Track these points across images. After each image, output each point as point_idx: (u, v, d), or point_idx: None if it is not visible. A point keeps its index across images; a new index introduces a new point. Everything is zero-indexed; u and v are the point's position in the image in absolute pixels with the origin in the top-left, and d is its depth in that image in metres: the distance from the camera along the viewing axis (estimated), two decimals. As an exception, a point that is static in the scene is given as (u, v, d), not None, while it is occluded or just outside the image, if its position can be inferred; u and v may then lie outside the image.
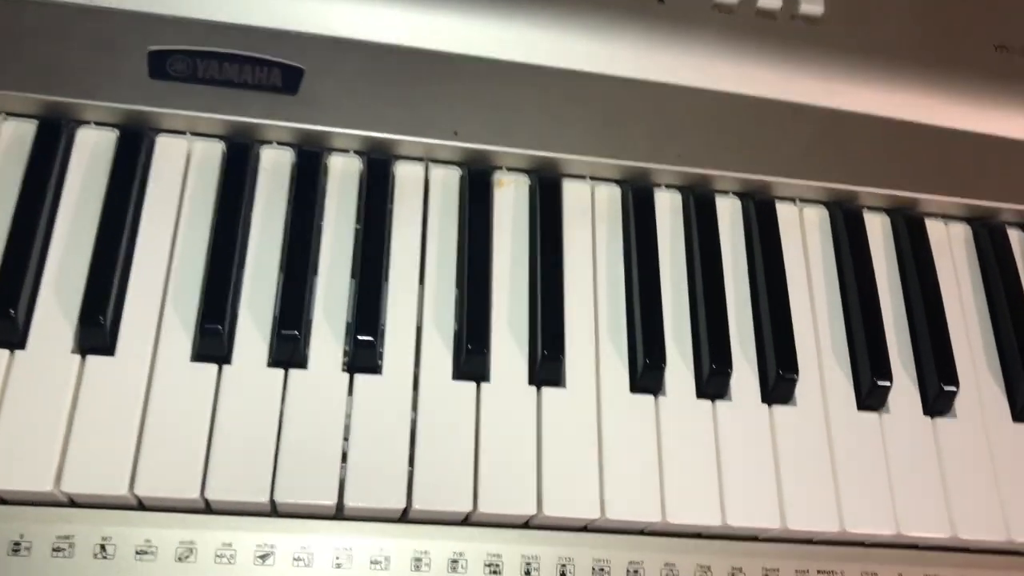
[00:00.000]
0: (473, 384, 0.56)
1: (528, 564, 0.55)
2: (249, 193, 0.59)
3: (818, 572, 0.58)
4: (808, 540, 0.58)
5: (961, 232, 0.69)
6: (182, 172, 0.59)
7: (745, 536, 0.58)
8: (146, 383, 0.53)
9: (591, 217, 0.63)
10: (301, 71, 0.60)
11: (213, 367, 0.54)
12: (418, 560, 0.54)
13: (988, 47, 0.69)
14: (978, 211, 0.68)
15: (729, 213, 0.65)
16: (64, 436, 0.51)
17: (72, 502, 0.52)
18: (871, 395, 0.60)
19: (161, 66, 0.58)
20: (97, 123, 0.59)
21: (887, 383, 0.60)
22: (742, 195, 0.66)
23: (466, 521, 0.55)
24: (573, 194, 0.63)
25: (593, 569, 0.56)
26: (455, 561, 0.54)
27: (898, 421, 0.61)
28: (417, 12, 0.62)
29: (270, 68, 0.59)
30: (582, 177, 0.64)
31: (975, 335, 0.65)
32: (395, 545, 0.54)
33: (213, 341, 0.54)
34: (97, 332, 0.53)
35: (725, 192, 0.66)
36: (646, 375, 0.58)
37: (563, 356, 0.57)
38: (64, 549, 0.51)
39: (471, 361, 0.56)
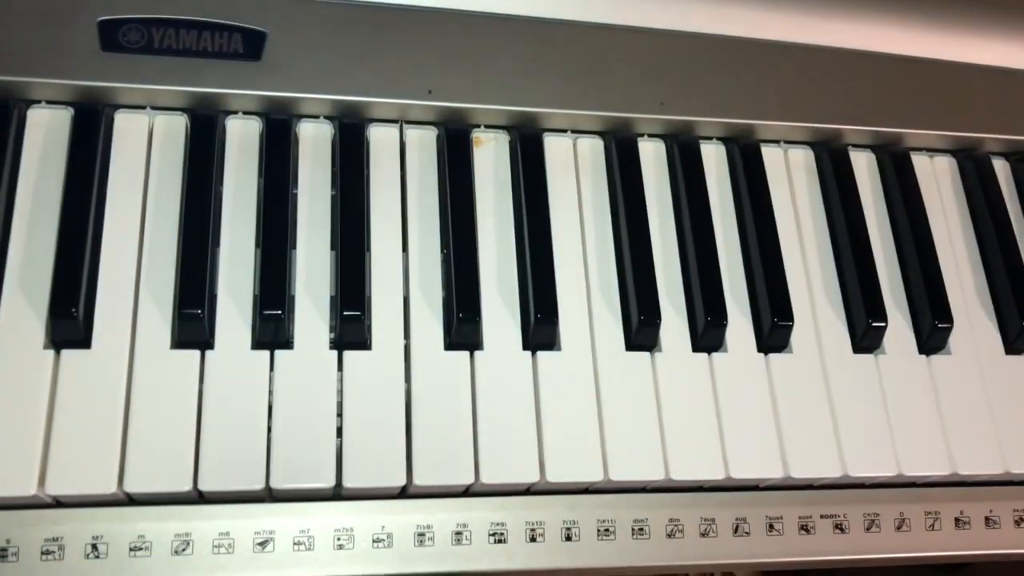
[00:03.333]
0: (466, 353, 0.55)
1: (533, 530, 0.54)
2: (218, 167, 0.56)
3: (821, 517, 0.58)
4: (809, 486, 0.58)
5: (946, 165, 0.68)
6: (145, 149, 0.56)
7: (747, 486, 0.58)
8: (126, 374, 0.51)
9: (575, 171, 0.61)
10: (264, 35, 0.57)
11: (195, 353, 0.52)
12: (421, 535, 0.53)
13: (967, -26, 0.68)
14: (962, 143, 0.67)
15: (714, 159, 0.64)
16: (44, 436, 0.49)
17: (59, 503, 0.50)
18: (866, 337, 0.60)
19: (113, 37, 0.55)
20: (49, 102, 0.56)
21: (882, 324, 0.59)
22: (726, 140, 0.64)
23: (468, 492, 0.54)
24: (555, 149, 0.61)
25: (598, 530, 0.55)
26: (459, 533, 0.53)
27: (894, 361, 0.60)
28: (381, -35, 0.59)
29: (230, 33, 0.56)
30: (563, 131, 0.62)
31: (965, 269, 0.65)
32: (397, 521, 0.53)
33: (193, 326, 0.52)
34: (70, 325, 0.50)
35: (709, 138, 0.64)
36: (641, 332, 0.57)
37: (556, 319, 0.56)
38: (54, 552, 0.49)
39: (463, 330, 0.54)
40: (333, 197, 0.58)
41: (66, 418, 0.49)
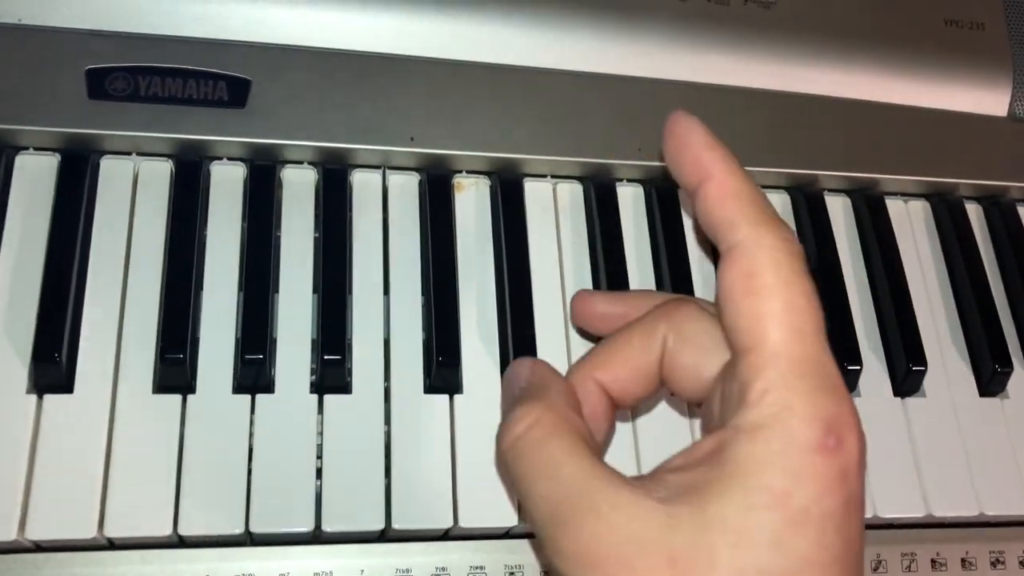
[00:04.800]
0: (446, 397, 0.55)
1: (512, 573, 0.55)
2: (202, 213, 0.57)
3: (798, 559, 0.58)
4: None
5: (920, 209, 0.69)
6: (130, 195, 0.57)
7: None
8: (108, 419, 0.51)
9: (554, 216, 0.62)
10: (248, 83, 0.58)
11: (177, 398, 0.52)
12: (400, 579, 0.53)
13: (939, 22, 0.69)
14: (936, 187, 0.68)
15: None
16: (26, 481, 0.49)
17: (39, 547, 0.50)
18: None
19: (100, 85, 0.56)
20: (36, 148, 0.56)
21: (857, 367, 0.60)
22: (703, 185, 0.65)
23: (447, 535, 0.54)
24: (535, 194, 0.62)
25: None
26: (438, 576, 0.54)
27: (869, 404, 0.61)
28: (364, 15, 0.60)
29: (215, 81, 0.57)
30: (543, 176, 0.63)
31: (939, 312, 0.65)
32: (376, 564, 0.53)
33: (175, 371, 0.52)
34: (53, 370, 0.51)
35: (687, 183, 0.65)
36: (619, 375, 0.57)
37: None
38: (33, 596, 0.50)
39: (442, 374, 0.55)
40: (316, 241, 0.58)
41: (48, 462, 0.50)
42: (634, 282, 0.61)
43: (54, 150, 0.57)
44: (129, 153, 0.58)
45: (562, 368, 0.57)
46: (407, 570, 0.53)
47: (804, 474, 0.35)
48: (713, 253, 0.64)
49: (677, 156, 0.43)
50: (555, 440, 0.40)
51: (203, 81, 0.57)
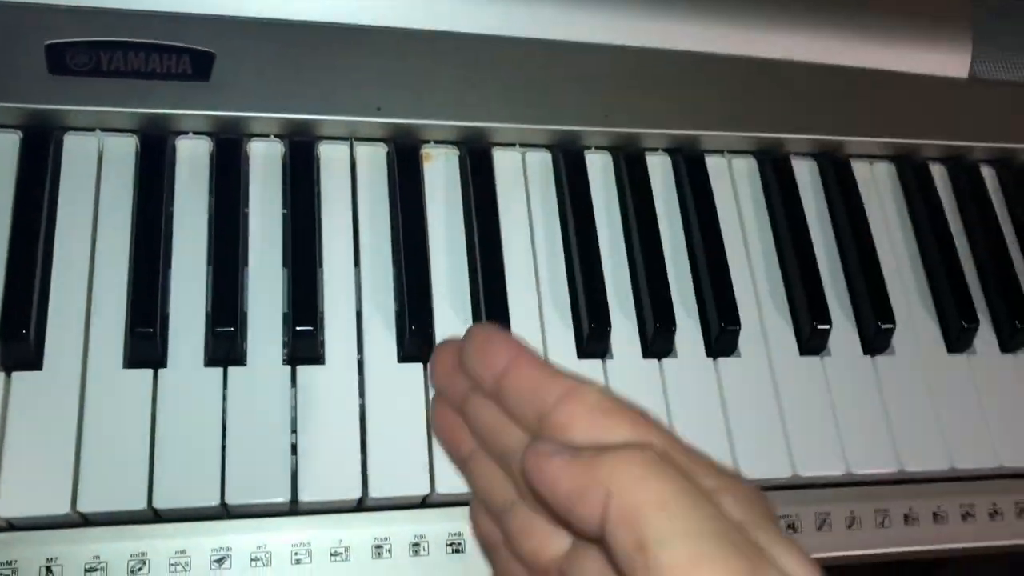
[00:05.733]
0: (420, 365, 0.55)
1: (490, 539, 0.55)
2: (168, 187, 0.57)
3: (774, 517, 0.59)
4: (761, 487, 0.59)
5: (886, 171, 0.70)
6: (95, 171, 0.56)
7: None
8: (79, 395, 0.51)
9: (524, 185, 0.63)
10: (212, 56, 0.57)
11: (148, 372, 0.52)
12: (379, 547, 0.53)
13: (899, -15, 0.70)
14: (900, 149, 0.69)
15: (660, 170, 0.65)
16: (-4, 458, 0.49)
17: (11, 526, 0.49)
18: (812, 339, 0.61)
19: (61, 60, 0.55)
20: (-2, 126, 0.56)
21: (827, 327, 0.61)
22: (671, 151, 0.66)
23: (424, 503, 0.54)
24: (504, 163, 0.63)
25: (555, 538, 0.56)
26: (416, 544, 0.54)
27: (840, 362, 0.62)
28: (327, -14, 0.60)
29: (179, 55, 0.57)
30: (511, 145, 0.63)
31: (906, 271, 0.66)
32: (354, 535, 0.53)
33: (145, 345, 0.52)
34: (21, 347, 0.50)
35: (655, 149, 0.66)
36: (592, 340, 0.58)
37: (508, 328, 0.56)
38: (7, 575, 0.49)
39: (415, 342, 0.55)
40: (284, 215, 0.58)
41: (18, 440, 0.49)
42: (605, 251, 0.61)
43: (15, 127, 0.56)
44: (93, 129, 0.57)
45: (534, 334, 0.57)
46: (385, 538, 0.53)
47: None
48: (684, 219, 0.64)
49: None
50: None
51: (166, 55, 0.57)
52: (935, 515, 0.62)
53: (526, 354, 0.32)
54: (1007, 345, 0.65)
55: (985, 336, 0.65)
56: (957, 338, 0.64)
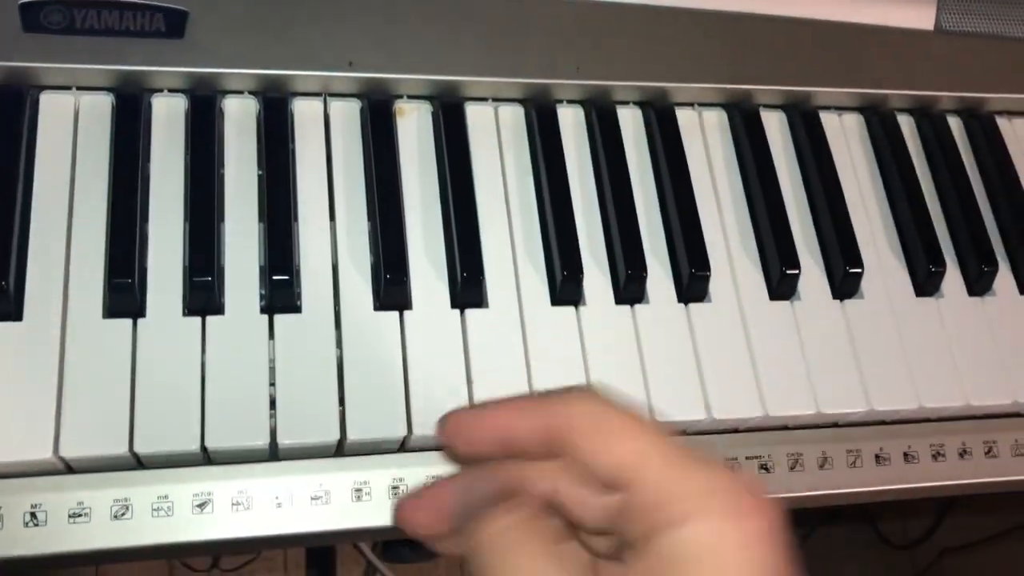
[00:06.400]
0: (396, 313, 0.56)
1: (468, 482, 0.56)
2: (144, 144, 0.58)
3: (746, 458, 0.60)
4: (735, 429, 0.61)
5: (854, 122, 0.71)
6: (71, 129, 0.57)
7: (672, 432, 0.59)
8: (59, 345, 0.52)
9: (497, 138, 0.63)
10: (185, 13, 0.58)
11: (127, 322, 0.53)
12: (358, 491, 0.54)
13: (864, -62, 0.71)
14: (868, 99, 0.70)
15: (631, 122, 0.66)
16: (-22, 407, 0.50)
17: (-5, 473, 0.50)
18: (781, 284, 0.62)
19: (35, 18, 0.56)
20: (-28, 85, 0.57)
21: (796, 271, 0.62)
22: (642, 104, 0.67)
23: (403, 447, 0.55)
24: (476, 117, 0.63)
25: (532, 480, 0.57)
26: (395, 487, 0.55)
27: (809, 306, 0.63)
28: (298, -56, 0.61)
29: (152, 12, 0.57)
30: (484, 99, 0.64)
31: (875, 219, 0.67)
32: (334, 479, 0.54)
33: (124, 296, 0.53)
34: (1, 298, 0.51)
35: (626, 103, 0.66)
36: (565, 288, 0.59)
37: (483, 277, 0.58)
38: (-8, 521, 0.50)
39: (391, 290, 0.56)
40: (260, 173, 0.59)
41: (1, 389, 0.50)
42: (577, 203, 0.62)
43: (-9, 85, 0.57)
44: (68, 87, 0.58)
45: (508, 283, 0.58)
46: (365, 482, 0.54)
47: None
48: (655, 170, 0.65)
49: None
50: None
51: (140, 12, 0.57)
52: (906, 455, 0.63)
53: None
54: (974, 288, 0.66)
55: (953, 280, 0.66)
56: (925, 282, 0.65)
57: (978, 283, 0.66)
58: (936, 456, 0.63)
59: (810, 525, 1.36)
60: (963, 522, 1.34)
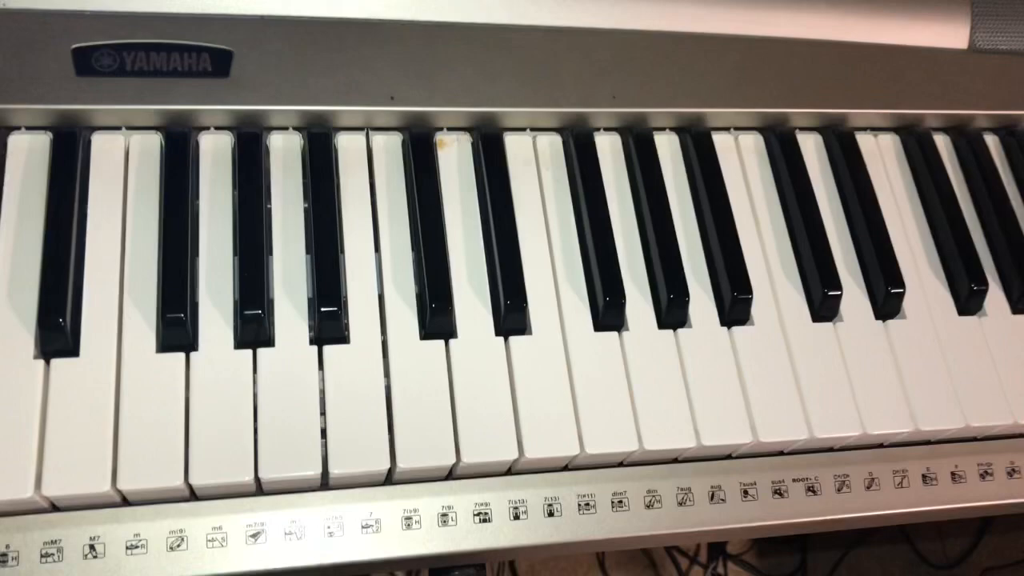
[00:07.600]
0: (441, 342, 0.57)
1: (516, 508, 0.56)
2: (193, 181, 0.59)
3: (793, 480, 0.60)
4: (779, 452, 0.61)
5: (890, 142, 0.71)
6: (122, 168, 0.59)
7: (719, 456, 0.60)
8: (115, 379, 0.53)
9: (536, 167, 0.64)
10: (230, 53, 0.60)
11: (180, 356, 0.54)
12: (408, 519, 0.55)
13: (896, -39, 0.71)
14: (904, 120, 0.70)
15: (668, 148, 0.67)
16: (39, 442, 0.51)
17: (54, 507, 0.51)
18: (823, 306, 0.62)
19: (87, 63, 0.57)
20: (28, 127, 0.58)
21: (837, 292, 0.62)
22: (679, 130, 0.67)
23: (451, 475, 0.56)
24: (515, 147, 0.64)
25: (579, 504, 0.57)
26: (444, 515, 0.55)
27: (852, 328, 0.63)
28: (339, -18, 0.62)
29: (199, 53, 0.59)
30: (522, 129, 0.65)
31: (914, 238, 0.67)
32: (384, 508, 0.55)
33: (177, 330, 0.54)
34: (58, 335, 0.52)
35: (662, 129, 0.67)
36: (608, 313, 0.59)
37: (525, 304, 0.58)
38: (53, 554, 0.51)
39: (436, 319, 0.57)
40: (305, 205, 0.60)
41: (59, 423, 0.51)
42: (617, 229, 0.63)
43: (45, 128, 0.58)
44: (119, 127, 0.59)
45: (551, 310, 0.59)
46: (415, 510, 0.55)
47: None
48: (694, 195, 0.66)
49: None
50: None
51: (187, 54, 0.59)
52: (953, 475, 0.63)
53: None
54: (1017, 306, 0.66)
55: (995, 298, 0.66)
56: (967, 300, 0.65)
57: (1022, 300, 0.66)
58: (984, 475, 0.63)
59: (845, 545, 1.35)
60: (1003, 541, 1.33)
